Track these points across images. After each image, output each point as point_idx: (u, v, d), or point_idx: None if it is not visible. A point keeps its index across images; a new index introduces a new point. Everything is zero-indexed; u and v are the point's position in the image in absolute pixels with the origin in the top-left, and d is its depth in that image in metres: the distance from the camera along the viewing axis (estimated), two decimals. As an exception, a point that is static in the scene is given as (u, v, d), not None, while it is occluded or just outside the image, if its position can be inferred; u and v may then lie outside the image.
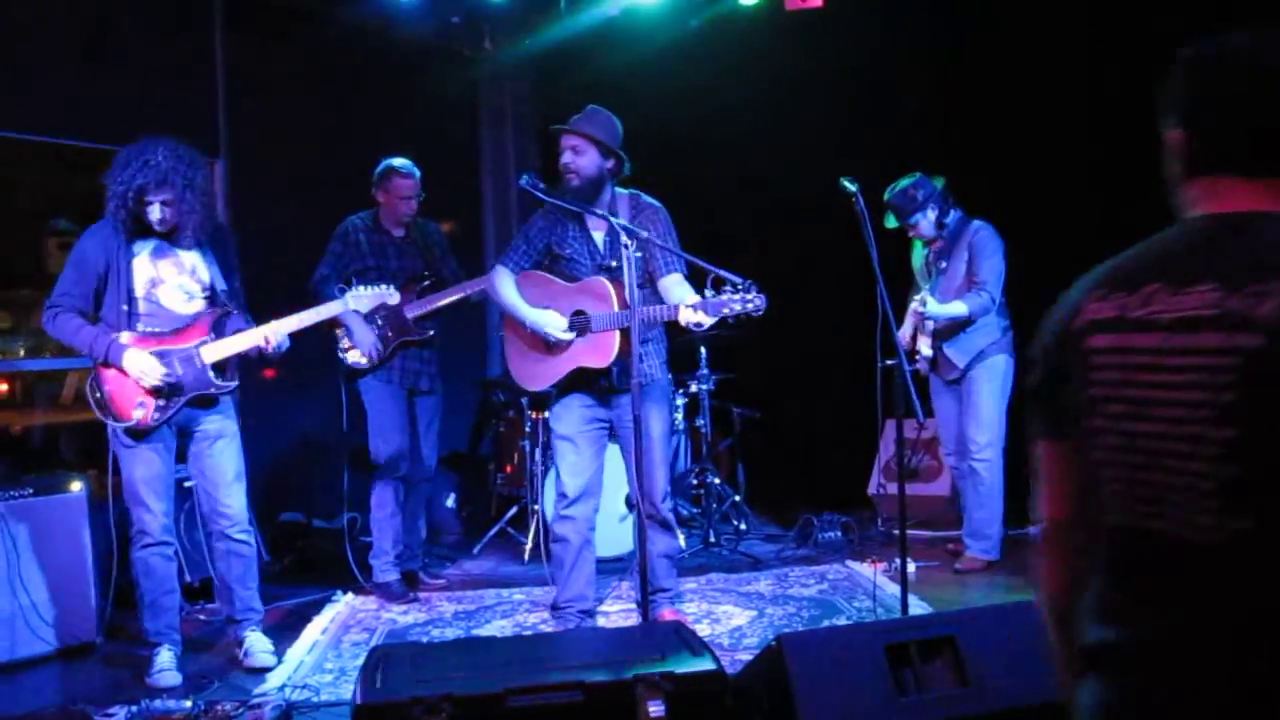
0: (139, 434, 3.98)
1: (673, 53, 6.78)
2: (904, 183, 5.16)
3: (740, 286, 3.66)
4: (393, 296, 4.51)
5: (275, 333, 4.08)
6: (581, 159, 4.03)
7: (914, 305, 5.19)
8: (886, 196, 5.17)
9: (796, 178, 6.58)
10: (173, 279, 4.08)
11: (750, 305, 3.66)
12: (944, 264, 5.20)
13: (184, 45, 6.09)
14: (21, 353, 6.57)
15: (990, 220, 5.23)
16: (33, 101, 5.35)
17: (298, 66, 6.43)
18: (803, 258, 6.50)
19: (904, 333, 5.27)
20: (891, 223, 5.24)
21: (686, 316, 3.78)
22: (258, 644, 4.15)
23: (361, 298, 4.43)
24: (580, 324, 4.09)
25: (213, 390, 4.08)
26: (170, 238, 4.06)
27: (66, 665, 4.26)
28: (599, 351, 4.06)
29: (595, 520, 4.30)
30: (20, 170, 5.98)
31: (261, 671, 4.03)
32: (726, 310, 3.68)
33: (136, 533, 4.05)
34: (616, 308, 4.00)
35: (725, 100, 6.84)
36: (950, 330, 5.15)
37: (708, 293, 3.74)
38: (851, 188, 3.92)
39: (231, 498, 4.16)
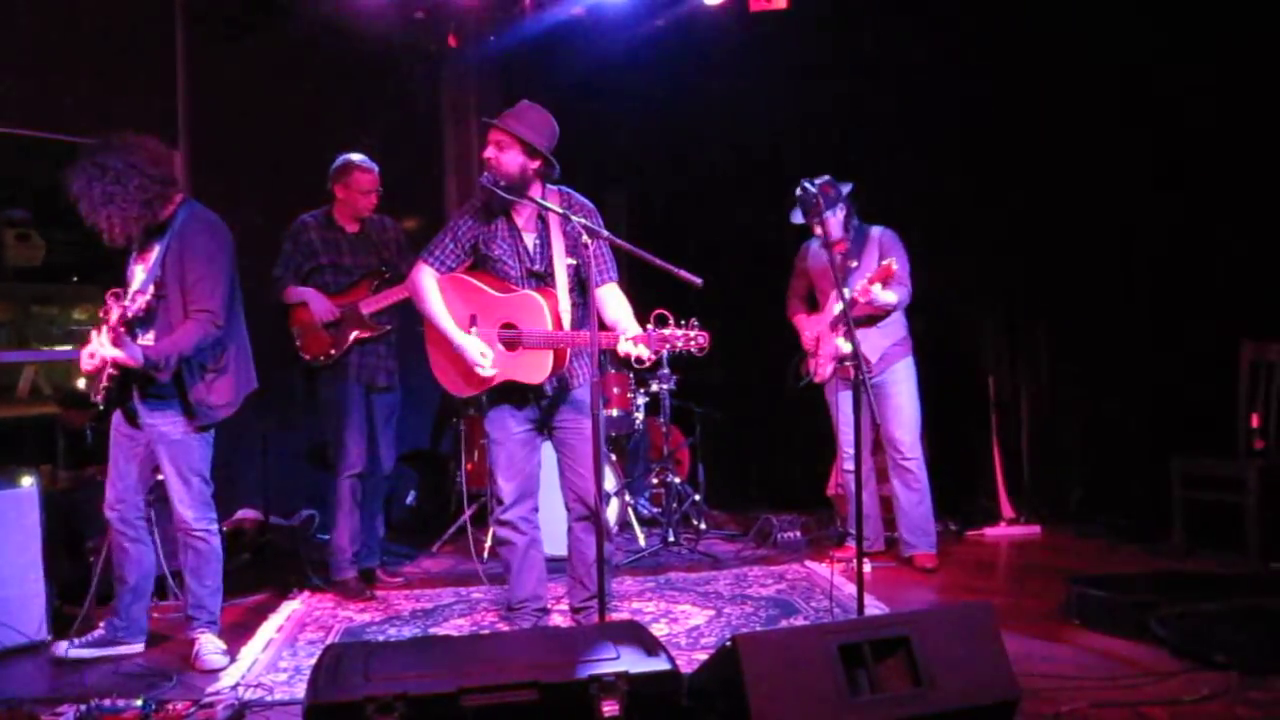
0: (101, 417, 4.03)
1: (638, 52, 6.78)
2: (816, 181, 5.12)
3: (684, 324, 3.60)
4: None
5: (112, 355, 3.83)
6: (504, 155, 3.89)
7: (834, 303, 5.21)
8: (798, 192, 5.15)
9: (758, 177, 6.63)
10: (135, 280, 4.04)
11: (694, 344, 3.60)
12: (854, 263, 5.24)
13: (145, 37, 6.04)
14: None
15: (896, 225, 5.35)
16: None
17: (260, 61, 6.38)
18: (762, 257, 6.52)
19: (811, 334, 5.38)
20: (798, 219, 5.23)
21: (625, 348, 3.69)
22: (208, 645, 4.09)
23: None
24: (511, 340, 3.97)
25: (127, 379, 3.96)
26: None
27: (14, 663, 4.18)
28: (533, 368, 3.94)
29: (537, 519, 4.23)
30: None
31: (212, 673, 3.98)
32: (668, 346, 3.61)
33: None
34: (549, 322, 3.88)
35: (688, 99, 6.87)
36: (867, 327, 5.19)
37: (650, 328, 3.67)
38: (811, 188, 3.93)
39: (178, 498, 4.09)
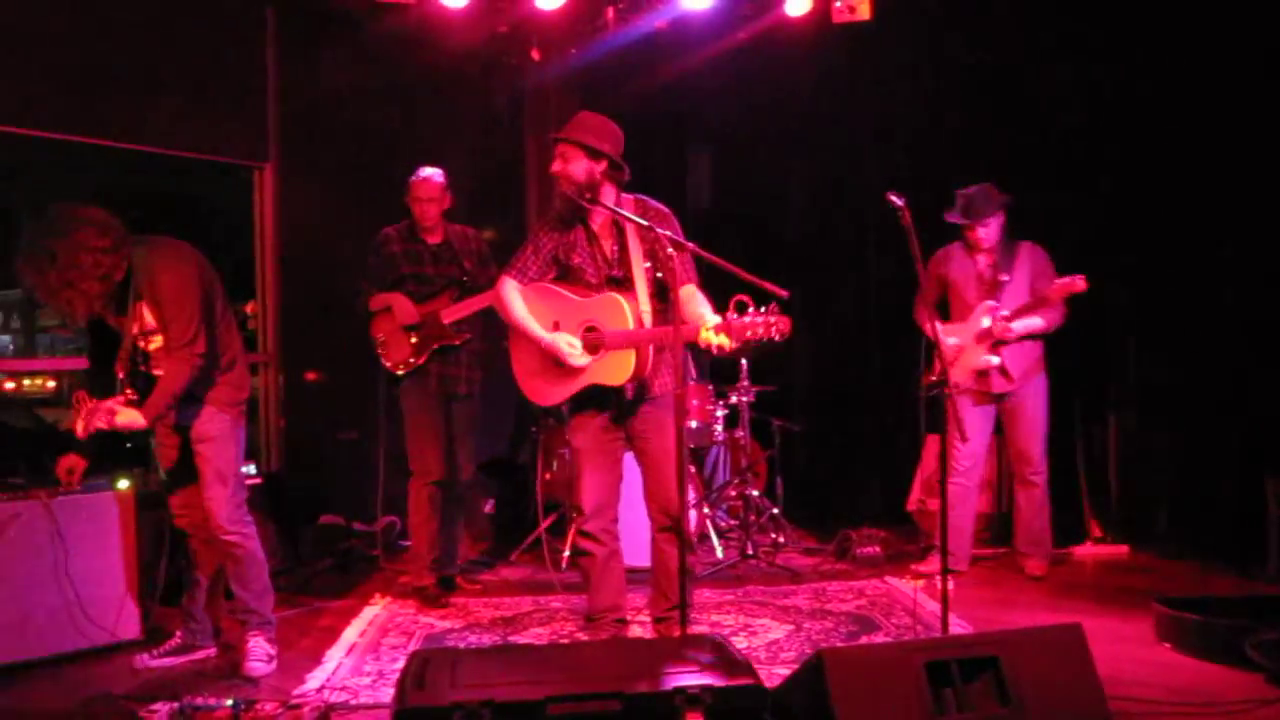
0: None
1: (722, 65, 6.78)
2: (981, 184, 5.21)
3: (764, 310, 3.51)
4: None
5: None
6: (570, 165, 3.95)
7: (983, 317, 5.19)
8: (967, 191, 5.21)
9: (843, 190, 6.59)
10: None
11: (774, 330, 3.50)
12: (1005, 277, 5.23)
13: (236, 51, 6.22)
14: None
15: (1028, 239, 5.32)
16: (95, 107, 5.47)
17: (346, 75, 6.51)
18: (847, 271, 6.49)
19: (953, 342, 5.29)
20: (955, 218, 5.24)
21: (706, 338, 3.65)
22: (256, 650, 4.12)
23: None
24: (594, 342, 3.98)
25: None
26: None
27: (110, 661, 4.30)
28: (615, 370, 3.95)
29: (617, 530, 4.22)
30: (85, 175, 6.09)
31: (255, 679, 4.01)
32: (750, 334, 3.53)
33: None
34: (630, 323, 3.89)
35: (773, 111, 6.85)
36: (1011, 342, 5.21)
37: (729, 315, 3.60)
38: (898, 202, 3.90)
39: (210, 501, 4.09)
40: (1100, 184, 5.97)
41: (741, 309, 3.57)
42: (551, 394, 4.12)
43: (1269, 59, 5.35)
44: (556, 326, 4.05)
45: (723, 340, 3.60)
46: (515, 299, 4.10)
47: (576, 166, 3.94)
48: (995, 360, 5.23)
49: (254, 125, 6.28)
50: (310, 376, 6.71)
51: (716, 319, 3.68)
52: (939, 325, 5.36)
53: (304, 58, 6.42)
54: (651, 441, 4.09)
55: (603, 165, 3.96)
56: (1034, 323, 5.16)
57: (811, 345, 7.12)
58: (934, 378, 4.09)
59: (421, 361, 5.09)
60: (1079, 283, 4.92)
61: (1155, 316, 5.96)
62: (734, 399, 6.19)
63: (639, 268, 3.99)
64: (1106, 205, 5.94)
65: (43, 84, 5.35)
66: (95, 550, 4.41)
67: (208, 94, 5.98)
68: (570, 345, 3.96)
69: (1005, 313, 5.15)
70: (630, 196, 4.09)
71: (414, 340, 5.09)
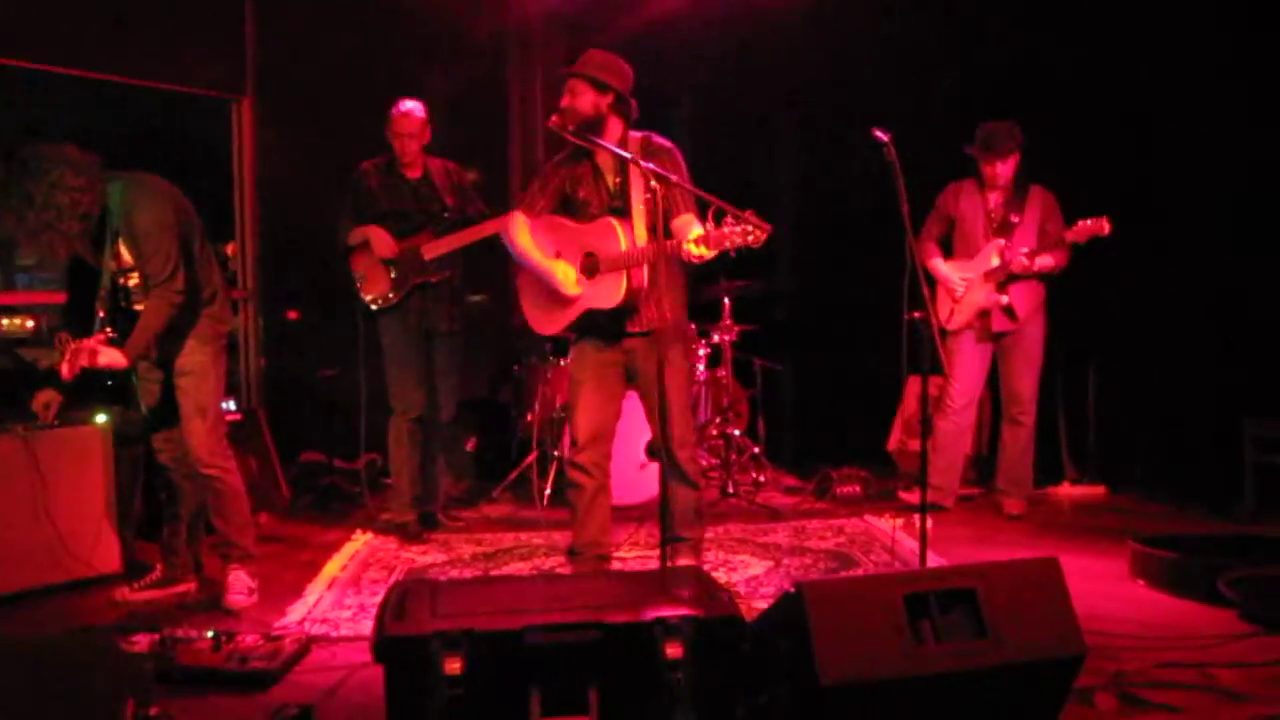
0: None
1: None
2: (1001, 123, 5.20)
3: (740, 218, 3.56)
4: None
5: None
6: (576, 100, 3.99)
7: (992, 255, 5.22)
8: (989, 125, 5.20)
9: (826, 127, 6.52)
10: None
11: (750, 237, 3.55)
12: (1016, 218, 5.24)
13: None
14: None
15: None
16: (67, 37, 5.35)
17: (325, 6, 6.37)
18: (829, 210, 6.44)
19: (959, 279, 5.32)
20: (974, 153, 5.24)
21: (689, 250, 3.71)
22: (236, 583, 4.13)
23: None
24: (590, 266, 4.06)
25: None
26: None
27: (89, 595, 4.30)
28: (607, 293, 4.02)
29: (608, 465, 4.25)
30: (55, 108, 5.97)
31: (236, 612, 4.03)
32: (728, 243, 3.58)
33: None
34: (624, 245, 3.96)
35: (760, 49, 6.74)
36: (1017, 281, 5.24)
37: (708, 225, 3.65)
38: (883, 138, 3.87)
39: (190, 435, 4.08)
40: (1087, 133, 5.92)
41: (719, 218, 3.61)
42: (552, 322, 4.19)
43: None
44: (558, 255, 4.12)
45: (702, 250, 3.66)
46: (521, 231, 4.17)
47: (582, 100, 3.98)
48: (1004, 299, 5.24)
49: (232, 58, 6.17)
50: (290, 314, 6.66)
51: (699, 231, 3.71)
52: (943, 262, 5.39)
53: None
54: (646, 374, 4.11)
55: (609, 99, 4.00)
56: (1046, 261, 5.16)
57: (793, 284, 7.10)
58: (918, 315, 4.07)
59: (399, 298, 5.05)
60: (1104, 225, 4.88)
61: (1134, 258, 5.95)
62: (716, 338, 6.18)
63: (638, 198, 4.03)
64: (1091, 156, 5.89)
65: (16, 12, 5.22)
66: (73, 485, 4.40)
67: (184, 25, 5.85)
68: (565, 274, 4.05)
69: (1025, 249, 5.14)
70: (638, 134, 4.13)
71: (393, 275, 5.04)
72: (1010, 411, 5.44)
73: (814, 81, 6.65)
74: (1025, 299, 5.29)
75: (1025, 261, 5.14)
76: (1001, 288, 5.26)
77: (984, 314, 5.32)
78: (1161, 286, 5.87)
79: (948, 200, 5.45)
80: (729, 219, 3.57)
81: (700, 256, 3.69)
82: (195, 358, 4.06)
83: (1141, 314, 6.02)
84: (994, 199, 5.32)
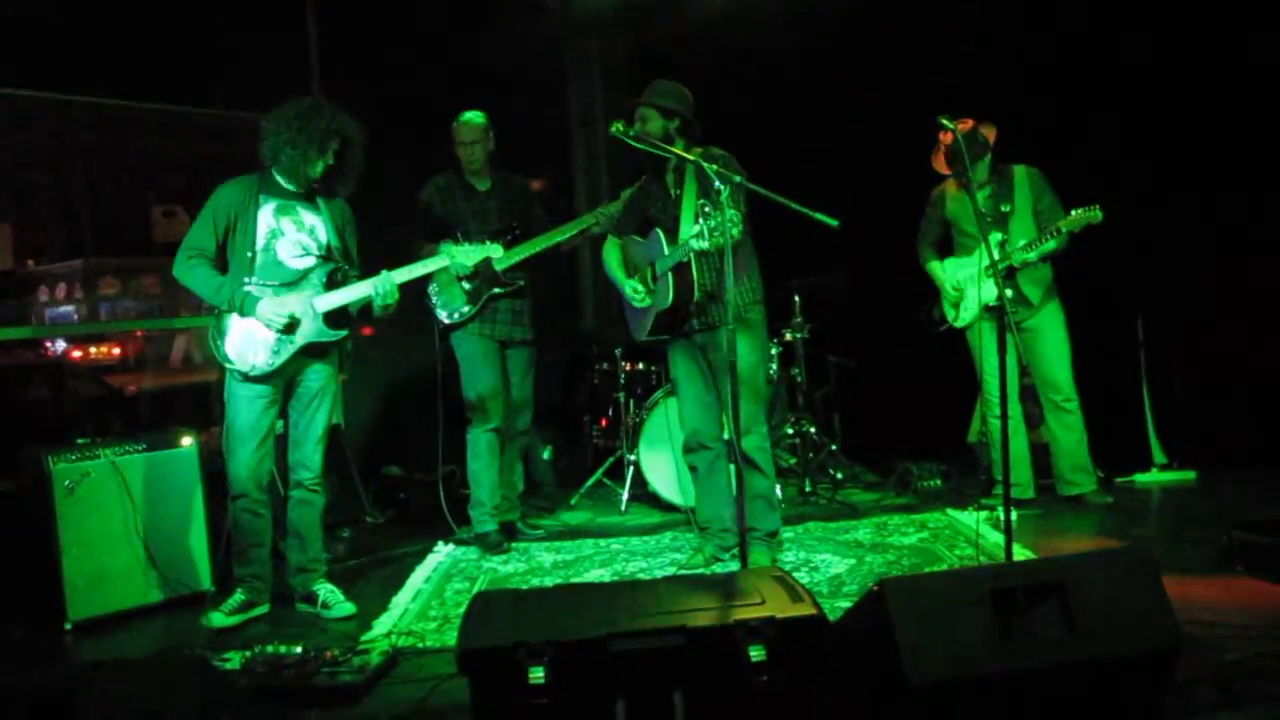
0: (252, 381, 4.12)
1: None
2: (962, 130, 5.06)
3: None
4: (495, 251, 4.72)
5: (384, 283, 4.14)
6: (648, 125, 4.41)
7: (992, 249, 5.08)
8: (949, 142, 5.16)
9: (894, 125, 6.42)
10: (291, 234, 4.21)
11: (729, 227, 3.74)
12: (1007, 207, 5.16)
13: (276, 1, 6.18)
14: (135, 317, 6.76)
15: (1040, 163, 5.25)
16: (136, 67, 5.48)
17: (383, 20, 6.44)
18: (897, 202, 6.35)
19: (956, 278, 5.31)
20: (942, 166, 5.29)
21: (690, 245, 4.18)
22: (333, 595, 4.31)
23: (463, 252, 4.53)
24: (651, 274, 4.54)
25: (324, 339, 4.19)
26: (309, 196, 4.23)
27: (181, 613, 4.40)
28: (661, 295, 4.47)
29: (716, 444, 4.58)
30: (126, 138, 6.12)
31: (347, 619, 4.18)
32: (701, 227, 4.02)
33: (229, 484, 4.24)
34: (666, 249, 4.39)
35: (816, 50, 6.68)
36: (1018, 270, 5.14)
37: (699, 222, 4.10)
38: (949, 125, 3.82)
39: (317, 454, 4.33)
40: (1169, 100, 5.76)
41: (702, 214, 4.07)
42: (640, 329, 4.67)
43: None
44: (634, 270, 4.68)
45: (701, 244, 4.08)
46: (611, 255, 4.78)
47: (653, 125, 4.42)
48: (1010, 292, 5.14)
49: (295, 73, 6.25)
50: (366, 330, 6.75)
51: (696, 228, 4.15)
52: (939, 264, 5.36)
53: (343, 4, 6.37)
54: (715, 366, 4.52)
55: (676, 121, 4.45)
56: (1049, 245, 5.02)
57: (864, 280, 7.01)
58: (934, 316, 4.10)
59: (476, 309, 5.10)
60: (1096, 214, 4.79)
61: (1225, 233, 5.77)
62: (788, 336, 6.14)
63: (690, 205, 4.42)
64: (1177, 123, 5.73)
65: (106, 52, 5.36)
66: (163, 506, 4.49)
67: (249, 42, 5.95)
68: (635, 290, 4.59)
69: (1023, 242, 5.04)
70: (699, 148, 4.45)
71: (467, 288, 5.09)
72: (1052, 400, 5.29)
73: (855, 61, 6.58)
74: (1029, 287, 5.18)
75: (1026, 255, 5.03)
76: (1006, 279, 5.13)
77: (994, 307, 5.19)
78: (1251, 259, 5.69)
79: (934, 205, 5.45)
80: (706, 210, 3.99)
81: (703, 251, 4.14)
82: (334, 377, 4.34)
83: (1229, 288, 5.83)
84: (979, 194, 5.20)
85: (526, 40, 7.12)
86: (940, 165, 5.32)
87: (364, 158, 4.26)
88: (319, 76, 6.31)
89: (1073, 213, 4.88)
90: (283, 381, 4.22)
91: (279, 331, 4.08)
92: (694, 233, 4.11)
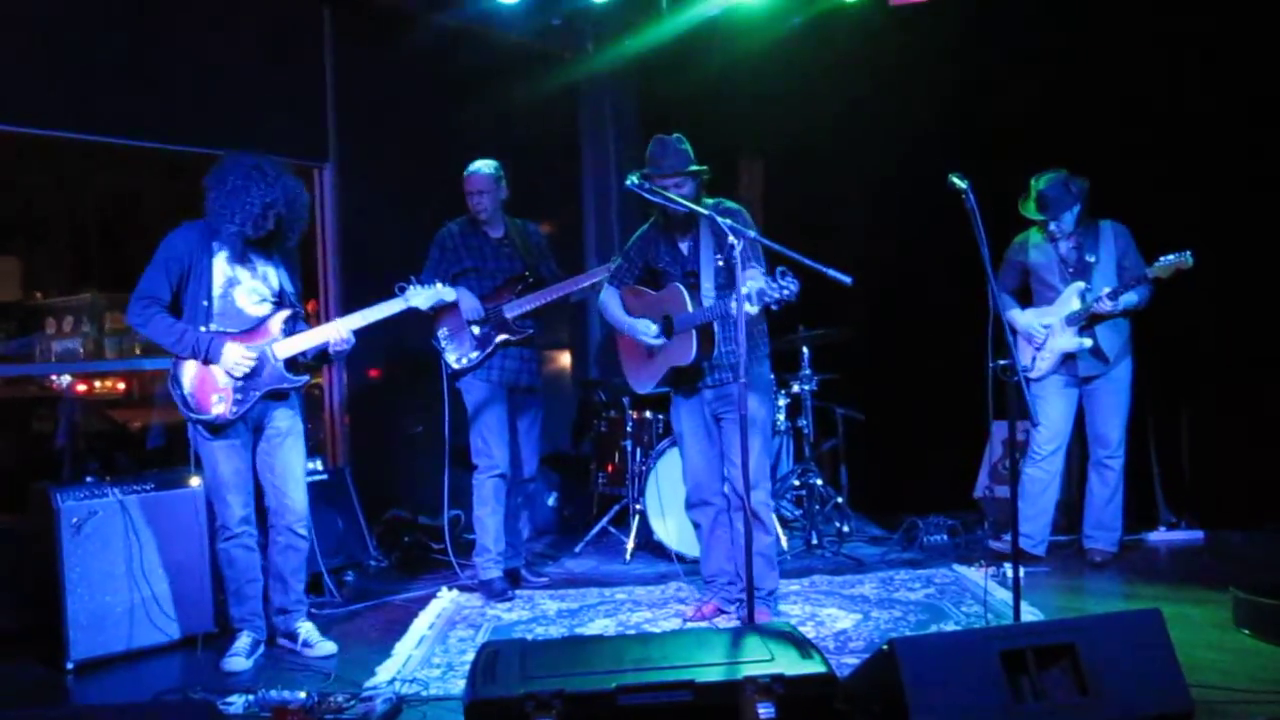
0: (218, 429, 4.16)
1: (775, 52, 6.73)
2: (1056, 175, 5.18)
3: (776, 274, 3.91)
4: (449, 294, 4.65)
5: (340, 329, 4.24)
6: (683, 190, 4.38)
7: (1073, 299, 5.16)
8: (1041, 186, 5.20)
9: (902, 176, 6.49)
10: (247, 282, 4.25)
11: (785, 292, 3.89)
12: (1092, 258, 5.18)
13: (294, 51, 6.24)
14: (138, 351, 6.77)
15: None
16: (154, 111, 5.53)
17: (400, 71, 6.52)
18: (908, 256, 6.39)
19: (1040, 326, 5.28)
20: (1033, 213, 5.25)
21: (738, 308, 4.05)
22: (314, 634, 4.35)
23: (419, 294, 4.50)
24: (668, 327, 4.48)
25: (286, 385, 4.24)
26: (260, 244, 4.24)
27: (185, 655, 4.38)
28: (681, 350, 4.43)
29: (719, 500, 4.57)
30: (143, 180, 6.17)
31: (327, 658, 4.21)
32: (766, 299, 3.95)
33: (219, 527, 4.27)
34: (690, 307, 4.39)
35: (829, 98, 6.76)
36: (1101, 323, 5.17)
37: (766, 279, 4.02)
38: (961, 184, 3.85)
39: (299, 493, 4.35)
40: (1169, 166, 5.81)
41: (780, 273, 3.93)
42: (647, 380, 4.66)
43: None
44: (641, 317, 4.62)
45: (746, 307, 3.94)
46: (611, 301, 4.72)
47: (687, 189, 4.41)
48: (1089, 343, 5.16)
49: (313, 124, 6.32)
50: (373, 373, 6.77)
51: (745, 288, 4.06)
52: (1021, 312, 5.33)
53: (360, 56, 6.45)
54: (726, 423, 4.48)
55: (701, 179, 4.50)
56: (1131, 299, 5.08)
57: (872, 333, 7.04)
58: (1004, 362, 4.04)
59: (485, 355, 5.12)
60: (1187, 259, 4.82)
61: (1229, 290, 5.80)
62: (795, 388, 6.15)
63: (707, 261, 4.43)
64: (1186, 180, 5.78)
65: (100, 86, 5.41)
66: (167, 546, 4.49)
67: (266, 94, 6.03)
68: (645, 326, 4.53)
69: (1107, 289, 5.06)
70: (710, 201, 4.46)
71: (477, 334, 5.11)
72: (1098, 455, 5.33)
73: (881, 123, 6.64)
74: (1112, 339, 5.19)
75: (1108, 303, 5.05)
76: (1086, 330, 5.17)
77: (1070, 358, 5.23)
78: (1258, 320, 5.71)
79: (1016, 253, 5.44)
80: (778, 274, 3.90)
81: (747, 312, 3.97)
82: (299, 418, 4.30)
83: (1236, 349, 5.85)
84: (1065, 245, 5.26)
85: (542, 90, 7.21)
86: (1028, 211, 5.28)
87: (308, 215, 4.33)
88: (334, 125, 6.36)
89: (1161, 259, 4.89)
90: (247, 426, 4.24)
91: (240, 379, 4.11)
92: (743, 294, 3.94)
